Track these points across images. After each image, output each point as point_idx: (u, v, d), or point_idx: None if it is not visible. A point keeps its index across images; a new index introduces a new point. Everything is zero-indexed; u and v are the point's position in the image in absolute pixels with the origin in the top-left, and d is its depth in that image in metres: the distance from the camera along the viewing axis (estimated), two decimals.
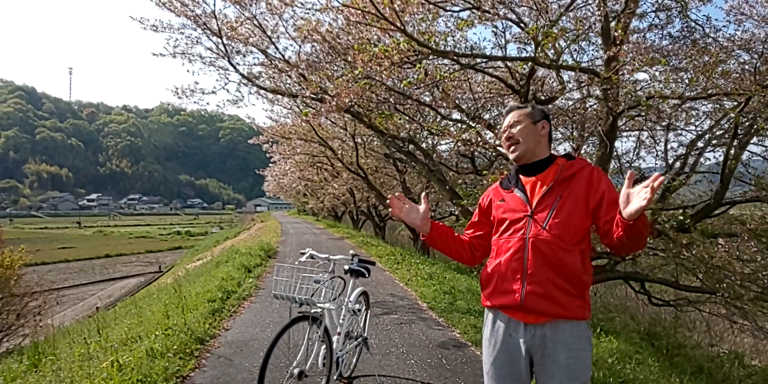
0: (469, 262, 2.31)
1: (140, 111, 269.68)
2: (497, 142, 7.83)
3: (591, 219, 2.03)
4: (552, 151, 2.20)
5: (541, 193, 2.06)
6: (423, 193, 2.29)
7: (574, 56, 7.10)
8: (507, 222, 2.11)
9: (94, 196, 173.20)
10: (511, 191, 2.16)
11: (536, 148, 2.13)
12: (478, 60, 6.27)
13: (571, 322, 1.99)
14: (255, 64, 9.13)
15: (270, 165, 25.49)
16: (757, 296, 5.86)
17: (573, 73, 6.77)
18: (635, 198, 1.72)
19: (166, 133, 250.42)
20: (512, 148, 2.15)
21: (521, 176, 2.17)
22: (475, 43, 7.13)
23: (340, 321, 3.56)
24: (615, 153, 7.36)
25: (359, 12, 5.40)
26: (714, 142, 7.29)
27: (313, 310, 3.18)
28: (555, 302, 1.97)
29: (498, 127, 7.38)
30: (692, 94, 5.92)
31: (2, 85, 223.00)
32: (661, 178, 1.67)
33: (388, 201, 2.25)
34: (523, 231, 2.04)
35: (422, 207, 2.25)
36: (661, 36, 6.56)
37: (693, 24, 6.15)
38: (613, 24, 5.66)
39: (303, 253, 3.52)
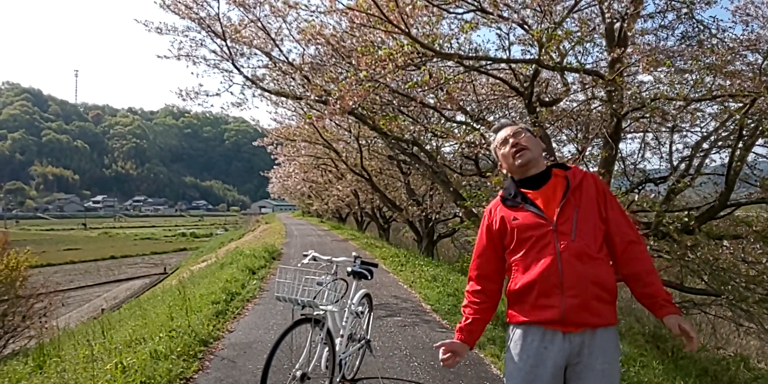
0: (498, 302, 2.25)
1: (145, 113, 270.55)
2: None
3: (605, 224, 2.07)
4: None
5: (558, 206, 2.03)
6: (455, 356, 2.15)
7: (579, 58, 7.11)
8: (532, 240, 2.04)
9: (99, 197, 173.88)
10: (521, 208, 2.09)
11: (539, 158, 2.14)
12: (482, 62, 6.27)
13: (606, 329, 2.00)
14: (259, 67, 9.15)
15: (274, 167, 25.56)
16: (763, 299, 5.83)
17: (577, 75, 6.76)
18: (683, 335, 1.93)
19: (171, 135, 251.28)
20: (519, 154, 2.12)
21: (525, 191, 2.12)
22: (479, 45, 7.14)
23: (343, 323, 3.56)
24: (619, 155, 7.35)
25: (363, 14, 5.41)
26: (719, 143, 7.26)
27: (315, 313, 3.18)
28: (595, 313, 1.96)
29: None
30: (697, 95, 5.91)
31: (9, 87, 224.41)
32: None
33: (443, 363, 2.11)
34: (552, 244, 1.99)
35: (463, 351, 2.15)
36: (666, 37, 6.55)
37: (700, 25, 6.13)
38: (617, 25, 5.65)
39: (305, 256, 3.53)
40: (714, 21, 6.04)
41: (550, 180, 2.11)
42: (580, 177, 2.09)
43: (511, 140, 2.15)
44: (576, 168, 2.14)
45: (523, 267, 2.05)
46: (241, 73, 8.69)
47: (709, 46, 6.03)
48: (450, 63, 6.72)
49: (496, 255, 2.17)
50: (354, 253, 3.75)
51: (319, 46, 8.23)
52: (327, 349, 3.29)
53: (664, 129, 7.72)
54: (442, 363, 2.08)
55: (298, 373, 3.05)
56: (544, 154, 2.23)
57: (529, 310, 2.03)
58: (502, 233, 2.14)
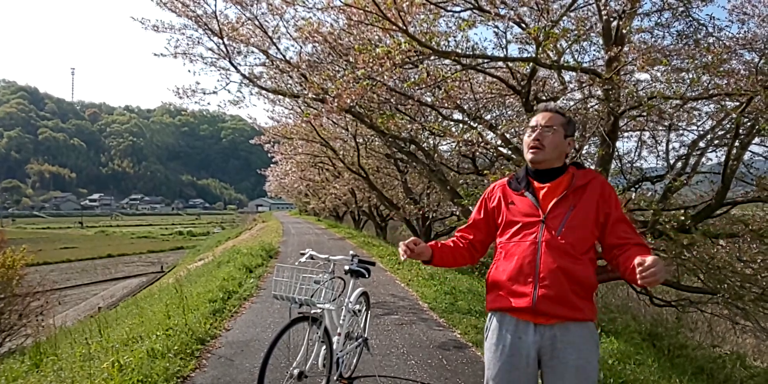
0: (470, 263, 2.32)
1: (142, 111, 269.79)
2: (498, 143, 7.83)
3: (599, 231, 2.08)
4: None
5: (554, 201, 2.07)
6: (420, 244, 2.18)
7: (576, 57, 7.11)
8: (518, 225, 2.10)
9: (96, 196, 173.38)
10: (522, 194, 2.15)
11: (555, 160, 2.14)
12: (480, 60, 6.26)
13: (580, 324, 2.02)
14: (256, 65, 9.15)
15: (271, 165, 25.49)
16: (758, 297, 5.84)
17: (574, 74, 6.76)
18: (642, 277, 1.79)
19: (168, 133, 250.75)
20: (533, 150, 2.11)
21: (532, 180, 2.16)
22: (476, 43, 7.14)
23: (341, 321, 3.56)
24: (616, 153, 7.35)
25: (361, 12, 5.40)
26: (716, 142, 7.27)
27: (312, 311, 3.18)
28: (566, 305, 1.99)
29: (500, 127, 7.39)
30: (694, 94, 5.91)
31: (5, 85, 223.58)
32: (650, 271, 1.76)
33: (404, 252, 2.12)
34: (535, 235, 2.05)
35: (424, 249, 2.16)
36: (662, 36, 6.55)
37: (696, 23, 6.13)
38: (614, 24, 5.65)
39: (303, 254, 3.52)
40: (711, 19, 6.04)
41: (560, 176, 2.12)
42: (588, 178, 2.10)
43: (535, 133, 2.12)
44: (589, 170, 2.15)
45: (505, 252, 2.12)
46: (238, 71, 8.67)
47: (705, 45, 6.03)
48: (447, 61, 6.72)
49: (488, 229, 2.26)
50: (351, 252, 3.75)
51: (317, 44, 8.21)
52: (324, 347, 3.29)
53: (660, 128, 7.72)
54: (402, 251, 2.13)
55: (296, 372, 3.05)
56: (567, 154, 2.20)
57: (504, 296, 2.09)
58: (497, 211, 2.21)
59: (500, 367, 2.06)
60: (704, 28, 6.18)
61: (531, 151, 2.12)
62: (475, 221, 2.30)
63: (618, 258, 2.01)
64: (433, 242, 2.24)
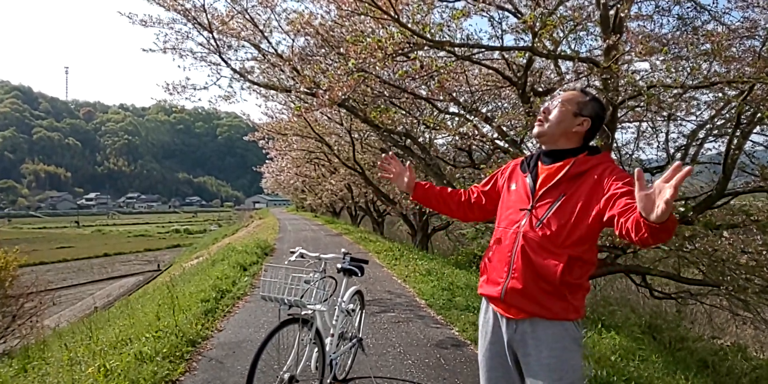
0: (462, 219, 2.40)
1: (137, 109, 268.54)
2: (495, 135, 7.70)
3: (597, 223, 1.87)
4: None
5: (545, 187, 1.98)
6: (408, 163, 2.46)
7: (572, 46, 6.97)
8: (509, 212, 2.08)
9: (92, 195, 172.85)
10: (524, 176, 2.10)
11: (560, 138, 2.02)
12: (475, 51, 6.11)
13: (552, 322, 1.94)
14: (247, 59, 8.97)
15: (267, 162, 25.28)
16: (763, 290, 5.74)
17: (571, 64, 6.62)
18: (658, 198, 1.46)
19: (163, 131, 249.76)
20: (537, 123, 2.07)
21: (540, 162, 2.08)
22: (471, 34, 6.99)
23: (333, 322, 3.42)
24: (615, 144, 7.23)
25: (351, 0, 5.25)
26: (715, 132, 7.16)
27: (303, 312, 3.04)
28: (533, 301, 1.94)
29: (496, 119, 7.25)
30: (694, 83, 5.78)
31: None
32: (687, 168, 1.40)
33: (379, 163, 2.28)
34: (518, 224, 2.00)
35: (408, 173, 2.42)
36: (660, 24, 6.42)
37: (697, 7, 6.01)
38: (612, 12, 5.51)
39: (293, 252, 3.38)
40: (713, 2, 5.91)
41: (564, 160, 1.99)
42: (591, 165, 1.93)
43: (543, 106, 2.06)
44: (601, 156, 1.98)
45: (495, 237, 2.11)
46: (228, 65, 8.49)
47: (704, 32, 5.91)
48: (442, 53, 6.57)
49: (489, 203, 2.29)
50: (343, 250, 3.61)
51: (309, 37, 8.06)
52: (316, 349, 3.16)
53: (659, 118, 7.60)
54: (381, 166, 2.41)
55: (286, 376, 2.92)
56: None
57: (486, 282, 2.11)
58: (501, 190, 2.22)
59: (484, 353, 2.13)
60: (706, 12, 6.04)
61: (536, 123, 2.08)
62: (485, 191, 2.33)
63: (626, 224, 1.66)
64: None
